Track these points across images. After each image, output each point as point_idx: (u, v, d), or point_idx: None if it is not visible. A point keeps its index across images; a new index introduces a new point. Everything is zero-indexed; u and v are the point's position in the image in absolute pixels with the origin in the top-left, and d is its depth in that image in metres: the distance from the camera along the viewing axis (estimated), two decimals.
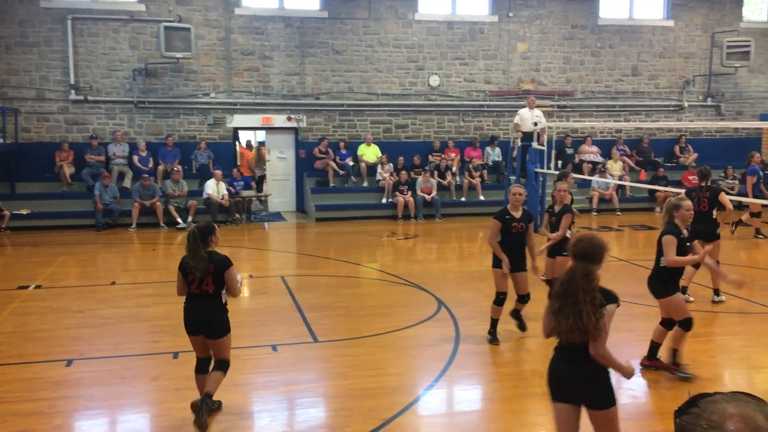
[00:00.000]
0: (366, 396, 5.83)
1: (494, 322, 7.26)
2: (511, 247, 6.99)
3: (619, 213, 17.12)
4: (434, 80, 17.92)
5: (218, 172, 15.86)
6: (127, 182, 15.95)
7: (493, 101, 18.31)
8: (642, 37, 18.97)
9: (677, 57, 19.20)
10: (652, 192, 17.28)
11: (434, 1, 18.03)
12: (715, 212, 8.74)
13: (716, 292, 8.63)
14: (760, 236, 13.34)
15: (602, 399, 3.78)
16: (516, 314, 7.47)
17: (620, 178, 17.26)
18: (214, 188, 15.68)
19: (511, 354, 7.02)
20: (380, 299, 9.26)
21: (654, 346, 6.30)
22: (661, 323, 6.27)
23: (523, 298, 7.27)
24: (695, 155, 18.69)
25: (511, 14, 18.10)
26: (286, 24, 17.15)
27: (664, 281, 6.05)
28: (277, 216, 17.19)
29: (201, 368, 5.51)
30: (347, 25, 17.46)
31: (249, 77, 17.15)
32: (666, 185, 16.76)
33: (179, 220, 15.33)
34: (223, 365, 5.42)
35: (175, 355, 6.90)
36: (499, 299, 7.15)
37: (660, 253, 6.00)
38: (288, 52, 17.24)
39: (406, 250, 13.35)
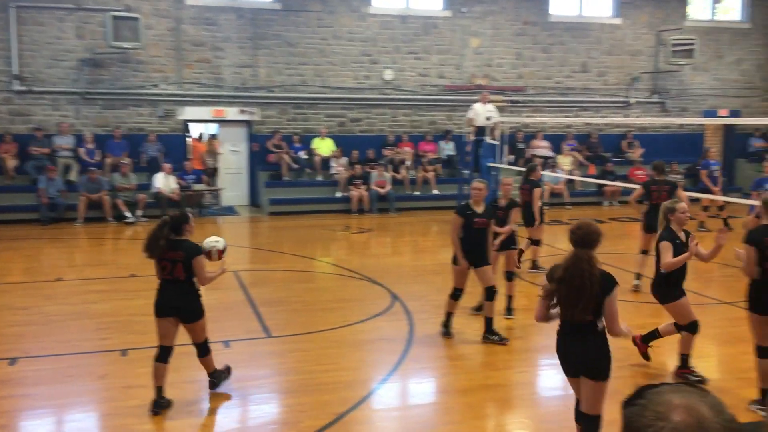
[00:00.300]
0: (320, 391, 5.81)
1: (449, 316, 7.25)
2: (474, 243, 6.92)
3: (569, 207, 17.44)
4: (388, 74, 17.92)
5: (167, 166, 15.56)
6: (73, 175, 15.51)
7: (447, 96, 18.42)
8: (591, 34, 19.32)
9: (625, 54, 19.61)
10: (600, 186, 17.64)
11: None
12: None
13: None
14: (703, 230, 13.75)
15: (602, 371, 4.15)
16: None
17: (570, 173, 17.57)
18: (163, 182, 15.38)
19: (465, 347, 7.08)
20: (334, 293, 9.23)
21: (683, 357, 6.17)
22: (678, 330, 6.12)
23: (490, 292, 7.00)
24: (642, 150, 19.15)
25: (464, 10, 18.21)
26: (238, 15, 16.91)
27: (667, 286, 5.96)
28: (230, 210, 16.98)
29: (162, 357, 5.51)
30: (301, 18, 17.31)
31: (200, 69, 16.86)
32: (614, 180, 17.14)
33: (127, 214, 15.01)
34: (203, 349, 5.63)
35: (124, 352, 6.76)
36: (456, 294, 7.14)
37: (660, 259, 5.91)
38: (240, 44, 17.00)
39: (360, 244, 13.35)
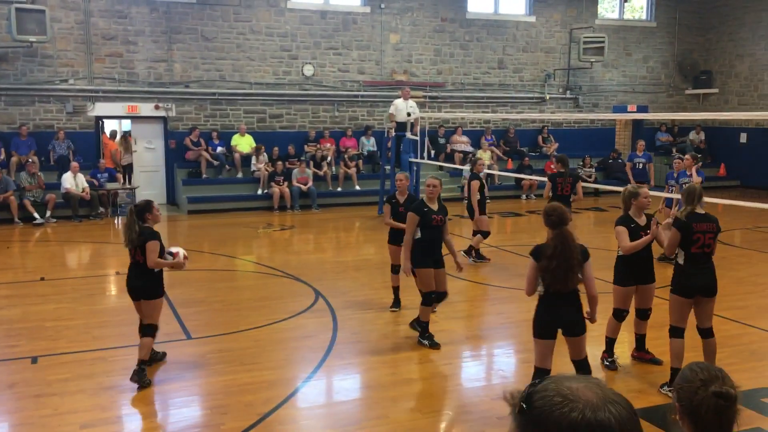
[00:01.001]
0: (242, 391, 5.72)
1: (426, 326, 6.84)
2: (432, 242, 6.70)
3: (488, 201, 17.74)
4: (308, 70, 17.79)
5: (75, 164, 14.92)
6: None
7: (367, 91, 18.45)
8: (507, 31, 19.76)
9: (539, 51, 20.17)
10: (518, 180, 18.09)
11: None
12: (572, 197, 9.78)
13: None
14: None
15: (582, 327, 5.00)
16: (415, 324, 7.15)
17: (489, 167, 17.92)
18: (72, 182, 14.74)
19: (388, 342, 7.11)
20: (256, 292, 9.10)
21: (638, 338, 6.39)
22: (636, 316, 6.31)
23: (442, 296, 6.97)
24: (556, 145, 19.75)
25: (383, 6, 18.27)
26: (151, 8, 16.39)
27: (619, 269, 6.14)
28: None
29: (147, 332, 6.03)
30: (217, 12, 16.95)
31: (112, 63, 16.26)
32: (531, 174, 17.63)
33: (36, 215, 14.33)
34: (150, 330, 5.99)
35: (34, 359, 6.45)
36: (430, 299, 6.76)
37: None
38: (154, 37, 16.49)
39: (282, 241, 13.21)
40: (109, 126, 18.53)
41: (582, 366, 5.13)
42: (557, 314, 4.93)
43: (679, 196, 8.53)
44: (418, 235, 6.68)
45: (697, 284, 5.60)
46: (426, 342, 6.77)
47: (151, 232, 5.93)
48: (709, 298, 5.67)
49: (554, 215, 4.91)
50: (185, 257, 6.30)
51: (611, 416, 1.26)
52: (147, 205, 6.04)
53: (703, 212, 5.66)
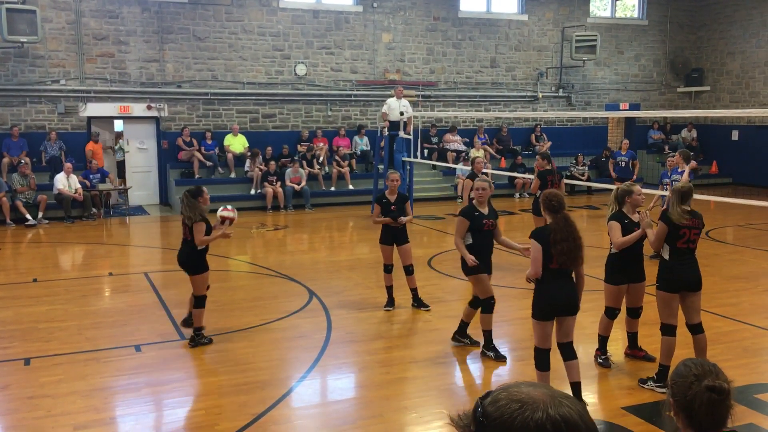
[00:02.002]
0: (237, 392, 5.71)
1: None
2: (483, 247, 6.35)
3: None
4: (301, 69, 17.77)
5: (68, 165, 14.86)
6: None
7: (360, 91, 18.44)
8: (499, 30, 19.78)
9: (531, 50, 20.20)
10: (511, 179, 18.12)
11: None
12: None
13: None
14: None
15: (578, 306, 5.27)
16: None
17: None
18: (65, 182, 14.68)
19: (382, 341, 7.11)
20: (250, 292, 9.09)
21: (630, 336, 6.42)
22: (627, 314, 6.33)
23: (488, 303, 6.44)
24: (549, 143, 19.79)
25: (375, 5, 18.27)
26: (143, 8, 16.34)
27: (611, 268, 6.14)
28: (139, 210, 16.41)
29: (198, 303, 6.86)
30: (209, 11, 16.90)
31: (103, 63, 16.20)
32: (524, 172, 17.65)
33: (28, 216, 14.26)
34: (198, 301, 6.79)
35: (27, 361, 6.43)
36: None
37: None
38: (146, 37, 16.44)
39: (276, 241, 13.19)
40: (102, 126, 18.41)
41: (568, 349, 5.31)
42: (560, 293, 5.17)
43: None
44: (469, 240, 6.34)
45: (682, 279, 5.64)
46: (491, 354, 6.40)
47: (201, 215, 6.68)
48: (695, 293, 5.71)
49: (555, 200, 5.19)
50: (230, 219, 6.95)
51: (571, 410, 1.30)
52: (198, 190, 6.83)
53: (689, 208, 5.70)
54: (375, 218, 7.94)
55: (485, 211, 6.42)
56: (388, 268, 7.98)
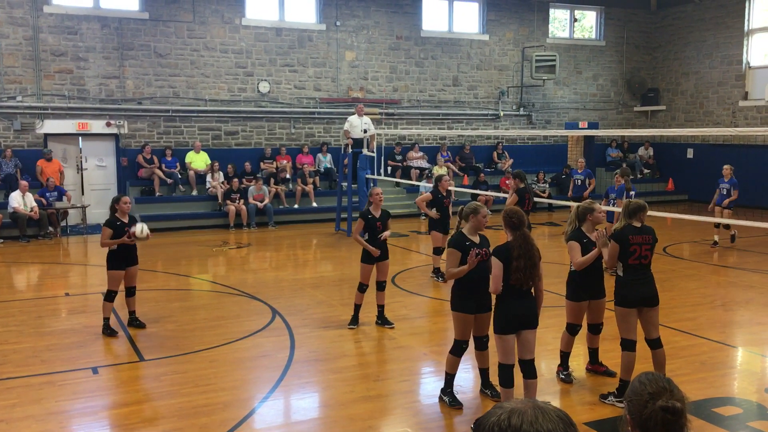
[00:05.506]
0: (198, 414, 5.60)
1: (451, 379, 5.93)
2: (474, 280, 5.65)
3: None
4: (264, 87, 17.72)
5: (24, 183, 14.52)
6: None
7: (324, 108, 18.46)
8: (461, 49, 20.03)
9: (493, 69, 20.49)
10: (474, 196, 18.21)
11: (262, 7, 17.84)
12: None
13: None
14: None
15: (537, 320, 5.38)
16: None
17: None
18: (20, 200, 14.33)
19: (346, 360, 7.07)
20: (212, 311, 8.96)
21: (591, 351, 6.49)
22: (588, 330, 6.40)
23: (458, 347, 5.84)
24: (511, 161, 20.04)
25: (338, 23, 18.35)
26: (102, 24, 16.15)
27: (572, 285, 6.23)
28: (97, 228, 16.03)
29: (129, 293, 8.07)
30: (170, 28, 16.78)
31: (61, 80, 15.93)
32: (486, 189, 17.83)
33: None
34: (106, 294, 7.81)
35: None
36: (461, 349, 5.82)
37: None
38: (105, 53, 16.23)
39: (238, 259, 13.05)
40: (57, 145, 18.05)
41: (530, 367, 5.34)
42: (521, 308, 5.25)
43: (617, 209, 8.88)
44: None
45: (638, 294, 5.74)
46: (446, 399, 5.85)
47: (108, 220, 7.71)
48: (653, 308, 5.81)
49: (515, 218, 5.28)
50: (132, 234, 7.77)
51: (557, 409, 1.31)
52: (117, 198, 7.87)
53: (640, 225, 5.81)
54: (356, 236, 7.84)
55: (476, 240, 5.74)
56: (363, 288, 7.88)
